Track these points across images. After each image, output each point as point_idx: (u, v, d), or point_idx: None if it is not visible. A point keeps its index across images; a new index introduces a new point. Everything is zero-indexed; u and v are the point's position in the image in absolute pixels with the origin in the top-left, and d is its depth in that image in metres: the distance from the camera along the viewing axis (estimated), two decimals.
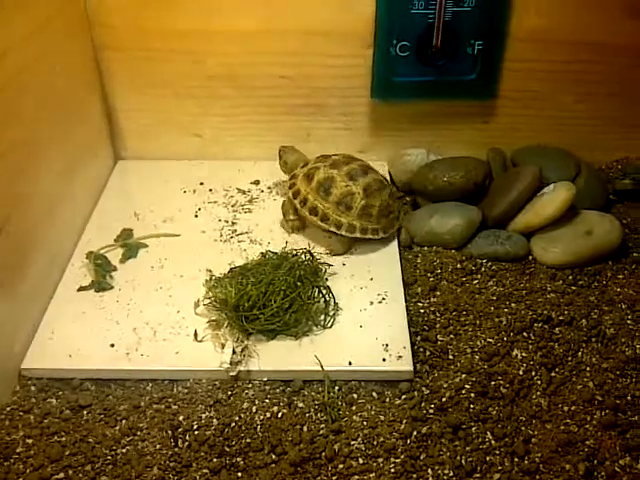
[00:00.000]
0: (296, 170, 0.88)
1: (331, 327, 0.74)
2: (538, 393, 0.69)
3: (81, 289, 0.78)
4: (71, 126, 0.85)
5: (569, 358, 0.73)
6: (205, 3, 0.87)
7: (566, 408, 0.68)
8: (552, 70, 0.92)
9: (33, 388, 0.70)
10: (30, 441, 0.65)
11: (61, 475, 0.62)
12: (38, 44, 0.75)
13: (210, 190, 0.95)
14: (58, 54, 0.81)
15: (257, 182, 0.96)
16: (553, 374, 0.71)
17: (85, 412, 0.68)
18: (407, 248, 0.86)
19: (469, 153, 0.95)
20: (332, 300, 0.76)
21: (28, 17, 0.73)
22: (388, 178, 0.97)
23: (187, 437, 0.65)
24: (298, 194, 0.84)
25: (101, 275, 0.80)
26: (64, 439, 0.65)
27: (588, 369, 0.72)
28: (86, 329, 0.74)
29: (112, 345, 0.72)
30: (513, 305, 0.78)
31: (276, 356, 0.70)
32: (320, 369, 0.69)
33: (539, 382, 0.70)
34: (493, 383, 0.70)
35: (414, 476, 0.62)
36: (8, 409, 0.68)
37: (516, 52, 0.90)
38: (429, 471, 0.62)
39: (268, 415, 0.66)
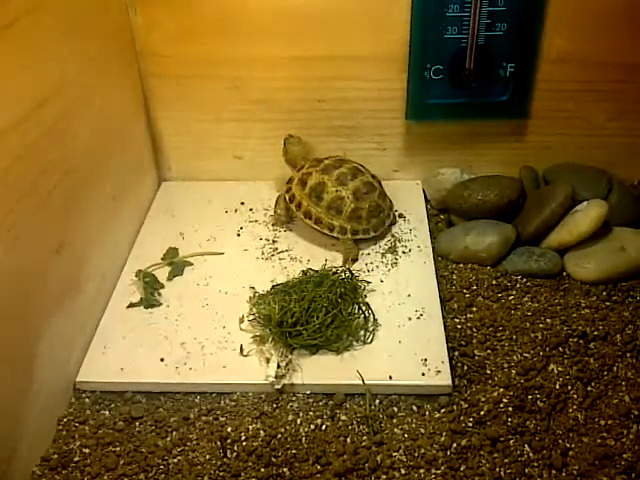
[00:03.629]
0: (293, 173, 0.93)
1: (371, 342, 0.76)
2: (575, 407, 0.71)
3: (131, 305, 0.82)
4: (119, 151, 0.90)
5: (604, 372, 0.74)
6: (246, 32, 0.91)
7: (602, 422, 0.69)
8: (583, 90, 0.94)
9: (87, 400, 0.74)
10: (86, 451, 0.68)
11: None
12: (91, 75, 0.80)
13: (251, 210, 0.98)
14: (108, 83, 0.86)
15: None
16: (589, 388, 0.73)
17: (137, 423, 0.71)
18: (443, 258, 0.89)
19: (501, 172, 0.97)
20: (371, 316, 0.78)
21: (83, 49, 0.78)
22: (422, 198, 1.00)
23: (235, 448, 0.67)
24: (294, 198, 0.90)
25: (150, 292, 0.83)
26: (118, 449, 0.68)
27: (624, 383, 0.73)
28: (137, 344, 0.77)
29: (162, 359, 0.75)
30: (548, 320, 0.80)
31: (319, 370, 0.73)
32: (361, 383, 0.71)
33: (575, 396, 0.72)
34: (530, 397, 0.72)
35: None
36: (65, 420, 0.71)
37: (547, 73, 0.92)
38: None
39: (312, 427, 0.69)
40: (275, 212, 0.95)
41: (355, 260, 0.87)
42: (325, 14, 0.89)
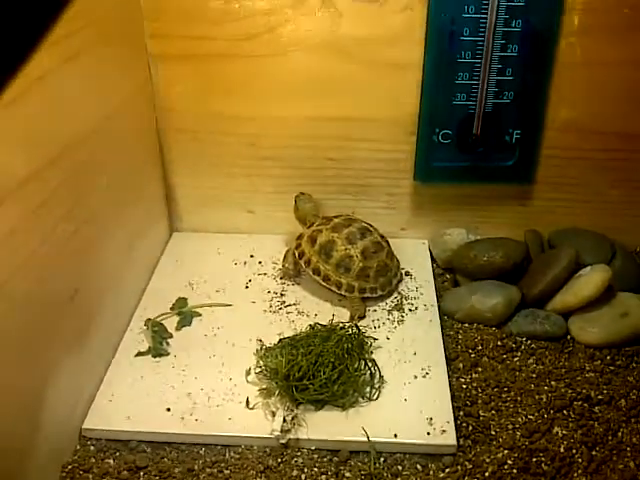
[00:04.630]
0: (303, 230, 0.95)
1: (376, 399, 0.76)
2: (580, 471, 0.71)
3: (139, 354, 0.83)
4: (134, 202, 0.92)
5: (609, 437, 0.74)
6: (262, 92, 0.94)
7: None
8: (587, 157, 0.97)
9: (92, 448, 0.73)
10: None
11: None
12: (112, 127, 0.82)
13: (260, 262, 1.00)
14: (127, 136, 0.88)
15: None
16: (594, 452, 0.73)
17: (142, 473, 0.70)
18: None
19: (506, 234, 0.99)
20: (377, 373, 0.79)
21: (106, 103, 0.81)
22: (429, 257, 1.02)
23: None
24: (303, 255, 0.91)
25: (158, 342, 0.84)
26: None
27: (629, 449, 0.73)
28: (143, 393, 0.78)
29: (168, 409, 0.75)
30: (553, 383, 0.81)
31: (324, 426, 0.73)
32: (366, 440, 0.71)
33: (580, 460, 0.72)
34: (535, 460, 0.72)
35: None
36: (69, 467, 0.71)
37: (553, 141, 0.95)
38: None
39: None
40: (283, 266, 0.97)
41: (362, 318, 0.88)
42: (339, 77, 0.92)
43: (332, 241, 0.90)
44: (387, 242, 0.94)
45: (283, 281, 0.96)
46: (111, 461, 0.72)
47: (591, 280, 0.87)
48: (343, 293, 0.90)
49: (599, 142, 0.95)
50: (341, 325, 0.84)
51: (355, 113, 0.95)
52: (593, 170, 0.98)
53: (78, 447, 0.73)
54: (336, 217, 0.94)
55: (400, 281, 0.95)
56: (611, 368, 0.83)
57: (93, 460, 0.72)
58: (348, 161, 0.99)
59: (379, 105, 0.94)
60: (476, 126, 0.93)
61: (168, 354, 0.83)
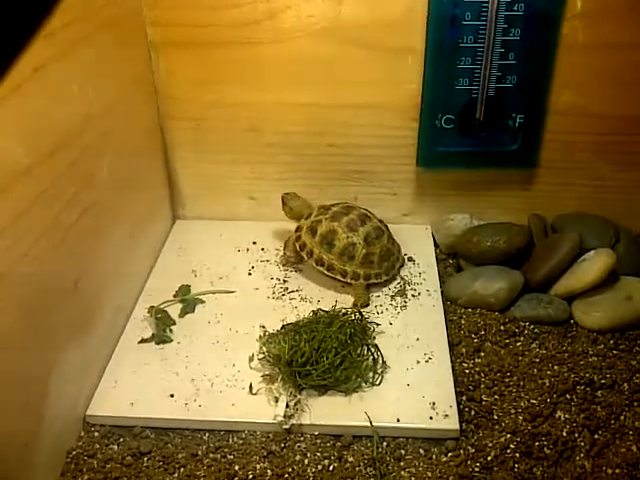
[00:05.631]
0: (301, 222, 0.95)
1: (379, 384, 0.77)
2: (582, 455, 0.71)
3: (142, 341, 0.83)
4: (137, 189, 0.92)
5: (612, 421, 0.75)
6: (263, 78, 0.94)
7: (610, 471, 0.69)
8: (590, 141, 0.96)
9: (96, 434, 0.74)
10: None
11: None
12: (113, 115, 0.82)
13: (262, 249, 1.00)
14: (129, 124, 0.88)
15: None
16: (596, 436, 0.73)
17: (145, 459, 0.71)
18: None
19: (510, 219, 0.99)
20: (380, 358, 0.79)
21: (107, 92, 0.81)
22: (432, 242, 1.01)
23: None
24: (305, 246, 0.91)
25: (161, 329, 0.84)
26: None
27: (631, 432, 0.73)
28: (147, 379, 0.78)
29: (171, 395, 0.76)
30: (556, 367, 0.81)
31: (327, 411, 0.74)
32: (369, 425, 0.72)
33: (582, 444, 0.72)
34: (537, 444, 0.72)
35: None
36: (74, 453, 0.72)
37: (556, 125, 0.94)
38: None
39: (320, 468, 0.69)
40: (284, 253, 0.97)
41: (366, 306, 0.88)
42: (341, 63, 0.92)
43: (333, 230, 0.90)
44: (386, 226, 0.94)
45: (286, 268, 0.96)
46: (115, 447, 0.73)
47: (595, 264, 0.87)
48: (349, 281, 0.90)
49: (603, 126, 0.95)
50: (344, 311, 0.84)
51: (357, 99, 0.95)
52: (597, 154, 0.97)
53: (82, 433, 0.74)
54: (333, 205, 0.94)
55: (402, 265, 0.95)
56: (614, 352, 0.83)
57: (97, 446, 0.73)
58: (350, 147, 0.99)
59: (381, 91, 0.94)
60: (479, 111, 0.93)
61: (171, 341, 0.83)
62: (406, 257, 0.97)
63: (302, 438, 0.73)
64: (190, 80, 0.95)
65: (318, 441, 0.72)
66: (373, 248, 0.89)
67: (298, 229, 0.94)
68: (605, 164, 0.98)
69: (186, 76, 0.95)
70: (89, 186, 0.76)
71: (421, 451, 0.71)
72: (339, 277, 0.90)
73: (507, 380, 0.79)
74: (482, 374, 0.80)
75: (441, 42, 0.87)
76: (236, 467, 0.69)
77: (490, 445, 0.71)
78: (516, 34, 0.87)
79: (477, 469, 0.69)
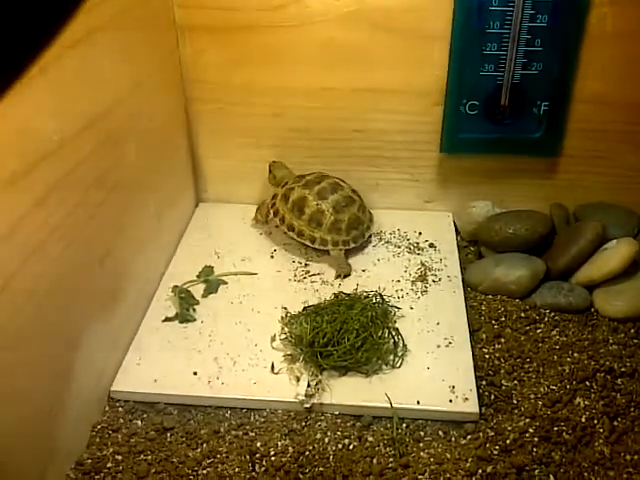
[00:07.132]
0: (277, 189, 0.97)
1: (400, 367, 0.77)
2: (600, 441, 0.71)
3: (166, 320, 0.85)
4: (163, 170, 0.93)
5: (631, 409, 0.75)
6: (288, 63, 0.95)
7: (629, 457, 0.70)
8: (614, 130, 0.96)
9: (121, 409, 0.76)
10: (119, 457, 0.70)
11: None
12: (140, 97, 0.83)
13: (285, 233, 1.01)
14: (155, 106, 0.89)
15: None
16: (615, 423, 0.73)
17: (169, 434, 0.73)
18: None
19: (532, 207, 0.99)
20: (401, 341, 0.80)
21: (134, 73, 0.82)
22: (453, 229, 1.02)
23: (264, 462, 0.69)
24: (278, 212, 0.94)
25: (185, 308, 0.86)
26: (150, 457, 0.70)
27: None
28: (171, 357, 0.79)
29: (195, 373, 0.77)
30: (576, 355, 0.81)
31: (347, 391, 0.75)
32: (389, 406, 0.73)
33: (601, 430, 0.72)
34: (556, 429, 0.72)
35: None
36: (99, 427, 0.73)
37: (580, 113, 0.94)
38: None
39: (340, 446, 0.70)
40: (255, 217, 1.02)
41: (347, 276, 0.91)
42: (366, 48, 0.92)
43: (304, 197, 0.92)
44: (359, 196, 0.97)
45: (307, 250, 0.97)
46: (139, 422, 0.74)
47: (617, 253, 0.87)
48: (317, 247, 0.93)
49: (628, 115, 0.94)
50: (365, 294, 0.85)
51: (381, 84, 0.95)
52: (621, 143, 0.96)
53: (107, 408, 0.76)
54: (308, 175, 0.96)
55: (371, 235, 0.98)
56: (635, 341, 0.83)
57: (122, 421, 0.74)
58: (373, 133, 0.99)
59: (406, 76, 0.94)
60: (504, 97, 0.92)
61: (195, 320, 0.85)
62: (427, 243, 0.97)
63: (323, 417, 0.74)
64: (216, 64, 0.96)
65: (338, 420, 0.73)
66: (341, 215, 0.92)
67: (274, 196, 0.97)
68: (630, 154, 0.97)
69: (212, 60, 0.96)
70: (117, 166, 0.77)
71: (440, 433, 0.72)
72: (308, 243, 0.93)
73: (527, 366, 0.80)
74: (502, 359, 0.80)
75: (468, 28, 0.87)
76: (257, 444, 0.71)
77: (509, 429, 0.72)
78: (543, 20, 0.86)
79: (496, 452, 0.70)
